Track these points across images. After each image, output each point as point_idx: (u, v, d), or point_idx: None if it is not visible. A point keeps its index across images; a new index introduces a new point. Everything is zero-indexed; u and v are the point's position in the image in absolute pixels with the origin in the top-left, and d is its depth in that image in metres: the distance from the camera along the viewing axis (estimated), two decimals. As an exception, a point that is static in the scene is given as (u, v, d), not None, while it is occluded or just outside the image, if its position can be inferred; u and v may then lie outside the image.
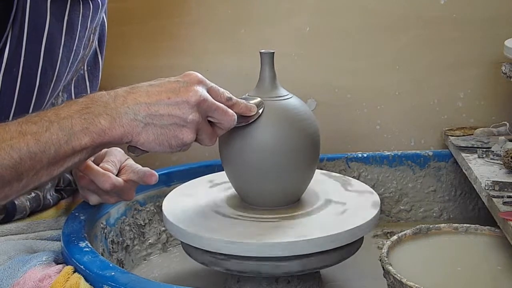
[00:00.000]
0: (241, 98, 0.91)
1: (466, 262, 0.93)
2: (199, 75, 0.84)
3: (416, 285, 0.82)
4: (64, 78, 0.96)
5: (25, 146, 0.76)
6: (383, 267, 0.90)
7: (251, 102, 0.91)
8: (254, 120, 0.91)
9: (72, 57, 0.96)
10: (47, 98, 0.93)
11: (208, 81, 0.85)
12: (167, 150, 0.82)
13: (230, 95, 0.87)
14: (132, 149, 0.84)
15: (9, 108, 0.88)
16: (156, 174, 0.94)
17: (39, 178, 0.78)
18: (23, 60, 0.87)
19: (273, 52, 0.96)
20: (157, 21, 1.34)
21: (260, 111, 0.92)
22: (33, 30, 0.87)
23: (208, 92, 0.84)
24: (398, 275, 0.85)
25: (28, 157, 0.76)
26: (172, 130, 0.81)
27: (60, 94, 0.99)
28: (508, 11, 1.31)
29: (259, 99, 0.93)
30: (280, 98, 0.94)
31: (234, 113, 0.86)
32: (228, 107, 0.86)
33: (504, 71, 1.13)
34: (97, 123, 0.78)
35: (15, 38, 0.85)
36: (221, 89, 0.87)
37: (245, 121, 0.90)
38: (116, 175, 0.96)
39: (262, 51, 0.96)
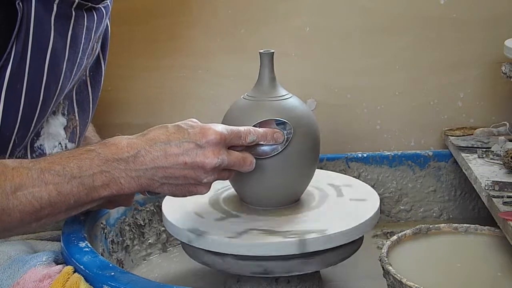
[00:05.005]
0: (276, 120, 0.91)
1: (466, 262, 0.93)
2: (218, 132, 0.83)
3: (416, 285, 0.82)
4: (66, 89, 0.96)
5: (47, 195, 0.78)
6: (383, 267, 0.90)
7: (278, 128, 0.90)
8: (281, 150, 0.90)
9: (75, 69, 0.96)
10: (50, 109, 0.94)
11: (227, 132, 0.84)
12: (182, 197, 0.88)
13: (254, 137, 0.87)
14: (148, 193, 0.88)
15: (13, 124, 0.88)
16: None
17: (56, 219, 0.82)
18: (27, 77, 0.87)
19: (273, 52, 0.96)
20: (157, 21, 1.34)
21: (284, 140, 0.90)
22: (37, 46, 0.87)
23: (229, 142, 0.84)
24: (398, 275, 0.85)
25: (48, 205, 0.79)
26: (186, 187, 0.85)
27: (62, 101, 0.99)
28: (508, 11, 1.31)
29: (287, 126, 0.91)
30: (280, 98, 0.94)
31: (253, 159, 0.87)
32: (253, 145, 0.88)
33: (504, 71, 1.13)
34: (117, 181, 0.81)
35: (18, 54, 0.85)
36: (243, 132, 0.86)
37: (272, 153, 0.90)
38: None
39: (262, 51, 0.96)
